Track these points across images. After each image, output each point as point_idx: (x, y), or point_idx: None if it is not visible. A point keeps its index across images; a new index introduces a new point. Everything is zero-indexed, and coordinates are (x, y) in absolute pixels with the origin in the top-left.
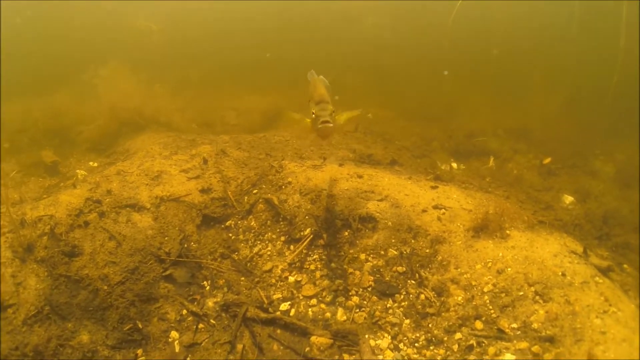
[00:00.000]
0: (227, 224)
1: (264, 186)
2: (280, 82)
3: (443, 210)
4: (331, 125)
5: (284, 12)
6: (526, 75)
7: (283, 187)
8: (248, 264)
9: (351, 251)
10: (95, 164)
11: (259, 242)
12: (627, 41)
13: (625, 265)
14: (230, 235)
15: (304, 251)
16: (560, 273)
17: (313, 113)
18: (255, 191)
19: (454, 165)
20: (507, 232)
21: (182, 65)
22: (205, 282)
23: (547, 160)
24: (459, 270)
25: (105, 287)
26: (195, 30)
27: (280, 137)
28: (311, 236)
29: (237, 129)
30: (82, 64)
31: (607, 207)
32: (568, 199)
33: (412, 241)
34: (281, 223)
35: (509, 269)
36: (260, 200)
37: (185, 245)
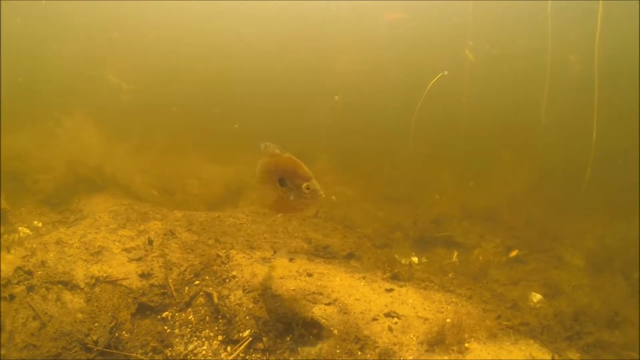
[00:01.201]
0: (164, 315)
1: (207, 277)
2: (244, 152)
3: (395, 319)
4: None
5: (255, 81)
6: (495, 154)
7: (227, 280)
8: None
9: (291, 359)
10: (40, 224)
11: (195, 338)
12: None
13: None
14: (166, 328)
15: (241, 355)
16: None
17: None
18: (197, 282)
19: (415, 259)
20: (466, 345)
21: (148, 126)
22: None
23: (514, 253)
24: None
25: None
26: (164, 91)
27: (235, 219)
28: (250, 339)
29: (197, 200)
30: (48, 107)
31: (578, 303)
32: (536, 297)
33: (359, 353)
34: (220, 321)
35: None
36: (201, 293)
37: (116, 335)
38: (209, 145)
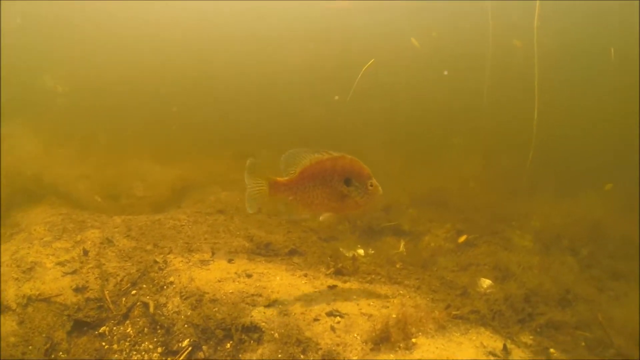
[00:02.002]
0: (102, 330)
1: (144, 285)
2: (190, 151)
3: (338, 318)
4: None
5: (198, 80)
6: (443, 139)
7: (164, 287)
8: None
9: None
10: None
11: (134, 352)
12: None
13: (551, 350)
14: (104, 344)
15: None
16: None
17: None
18: (134, 292)
19: (361, 252)
20: (413, 340)
21: (89, 129)
22: None
23: (463, 239)
24: None
25: None
26: (103, 93)
27: (176, 221)
28: (190, 348)
29: (143, 203)
30: None
31: (528, 285)
32: (485, 282)
33: (301, 356)
34: (159, 331)
35: None
36: (139, 303)
37: (52, 356)
38: (152, 145)
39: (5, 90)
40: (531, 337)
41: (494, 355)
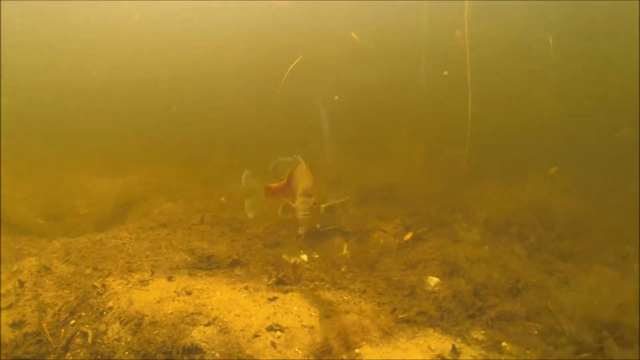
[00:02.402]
0: None
1: (83, 313)
2: (134, 161)
3: (279, 333)
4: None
5: (133, 86)
6: (388, 132)
7: (104, 313)
8: None
9: None
10: None
11: None
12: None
13: (504, 343)
14: None
15: None
16: None
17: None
18: (72, 321)
19: (304, 257)
20: (357, 350)
21: (30, 146)
22: None
23: (408, 236)
24: None
25: None
26: (42, 104)
27: (118, 240)
28: None
29: (86, 221)
30: None
31: (477, 278)
32: (433, 280)
33: None
34: None
35: None
36: (78, 332)
37: None
38: (96, 158)
39: None
40: (482, 332)
41: (442, 358)
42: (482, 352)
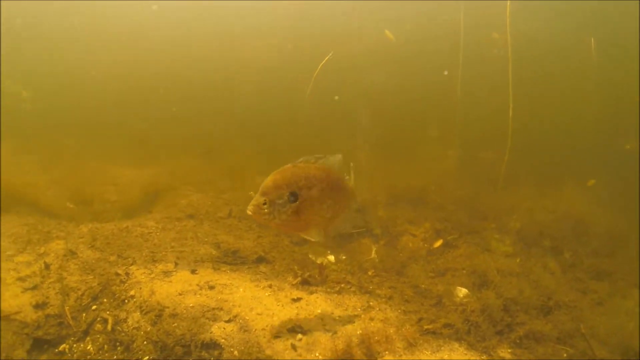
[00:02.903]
0: (61, 348)
1: (105, 300)
2: (162, 152)
3: (300, 335)
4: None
5: (164, 78)
6: (420, 133)
7: (125, 301)
8: None
9: None
10: None
11: None
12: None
13: None
14: None
15: None
16: None
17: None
18: (94, 307)
19: (331, 258)
20: None
21: (58, 134)
22: None
23: (438, 244)
24: None
25: None
26: (72, 96)
27: (144, 229)
28: None
29: (115, 207)
30: None
31: (507, 293)
32: (462, 292)
33: None
34: (118, 348)
35: None
36: (99, 318)
37: None
38: (125, 148)
39: None
40: (510, 350)
41: None
42: None
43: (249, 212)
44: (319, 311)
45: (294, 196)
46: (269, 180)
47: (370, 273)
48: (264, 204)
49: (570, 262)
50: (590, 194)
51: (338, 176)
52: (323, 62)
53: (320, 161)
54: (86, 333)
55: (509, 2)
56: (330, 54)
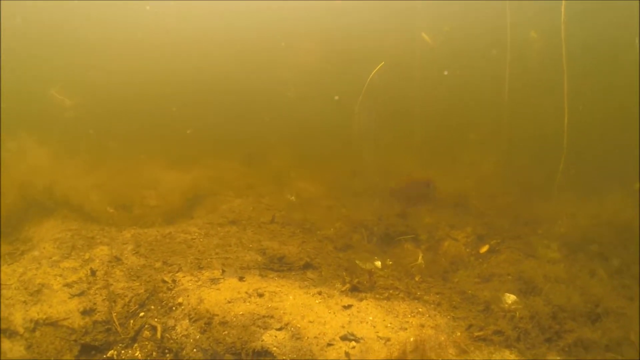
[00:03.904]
0: (109, 354)
1: (152, 307)
2: (202, 157)
3: (353, 343)
4: None
5: (204, 82)
6: (461, 136)
7: (173, 308)
8: None
9: None
10: None
11: None
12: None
13: None
14: None
15: None
16: None
17: None
18: (142, 314)
19: (378, 264)
20: None
21: (100, 141)
22: None
23: (484, 249)
24: None
25: None
26: (112, 101)
27: (187, 235)
28: None
29: (155, 212)
30: None
31: (555, 300)
32: (510, 298)
33: None
34: (167, 355)
35: None
36: (147, 325)
37: None
38: (164, 152)
39: (8, 101)
40: (559, 357)
41: None
42: None
43: None
44: (371, 318)
45: None
46: None
47: (417, 279)
48: None
49: (617, 269)
50: (637, 198)
51: None
52: (375, 71)
53: None
54: (134, 340)
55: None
56: (382, 64)
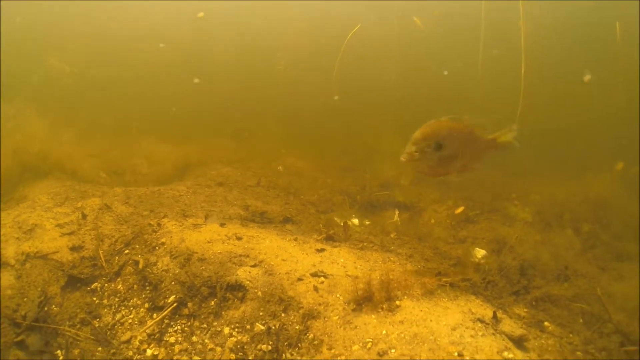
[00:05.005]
0: (93, 286)
1: (137, 246)
2: (194, 132)
3: (322, 279)
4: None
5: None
6: (439, 112)
7: (156, 247)
8: (108, 332)
9: (215, 323)
10: None
11: (123, 307)
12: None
13: (546, 323)
14: (95, 299)
15: (166, 321)
16: (456, 353)
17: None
18: (127, 251)
19: (355, 221)
20: (397, 302)
21: (96, 110)
22: (59, 351)
23: (460, 210)
24: (332, 351)
25: None
26: (110, 74)
27: (175, 192)
28: (175, 304)
29: (146, 179)
30: None
31: (524, 256)
32: (480, 252)
33: (283, 315)
34: (147, 288)
35: (393, 351)
36: (130, 261)
37: (45, 309)
38: (158, 126)
39: (9, 70)
40: (525, 309)
41: (482, 322)
42: (523, 327)
43: (403, 159)
44: (342, 260)
45: (439, 145)
46: (418, 133)
47: (392, 235)
48: (415, 151)
49: (590, 242)
50: (617, 179)
51: (474, 129)
52: (351, 34)
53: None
54: (118, 274)
55: None
56: (357, 27)
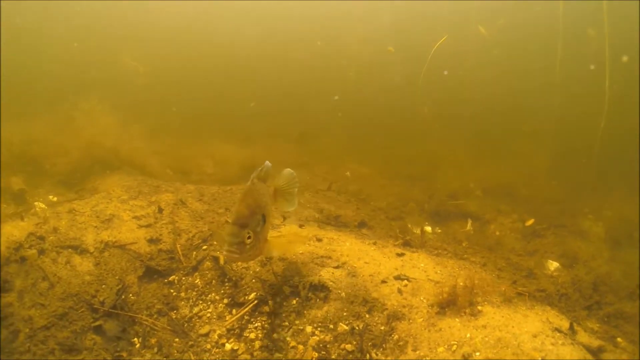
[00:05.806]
0: (171, 278)
1: (215, 242)
2: (259, 134)
3: (405, 282)
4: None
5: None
6: (511, 131)
7: None
8: (185, 325)
9: (297, 322)
10: (55, 199)
11: (200, 301)
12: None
13: (619, 339)
14: (172, 291)
15: (246, 317)
16: (540, 359)
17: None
18: (205, 247)
19: (428, 229)
20: (479, 307)
21: (165, 109)
22: (136, 339)
23: (530, 222)
24: (417, 352)
25: (27, 330)
26: (181, 74)
27: None
28: (255, 301)
29: (212, 179)
30: (63, 93)
31: (597, 272)
32: (553, 265)
33: (367, 316)
34: (226, 284)
35: (478, 354)
36: (208, 257)
37: (123, 297)
38: (224, 127)
39: (86, 68)
40: (597, 324)
41: (560, 332)
42: (597, 341)
43: (233, 255)
44: (422, 265)
45: (264, 217)
46: (242, 209)
47: (464, 244)
48: (248, 237)
49: None
50: None
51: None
52: (437, 45)
53: (263, 172)
54: (195, 269)
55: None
56: (444, 38)
